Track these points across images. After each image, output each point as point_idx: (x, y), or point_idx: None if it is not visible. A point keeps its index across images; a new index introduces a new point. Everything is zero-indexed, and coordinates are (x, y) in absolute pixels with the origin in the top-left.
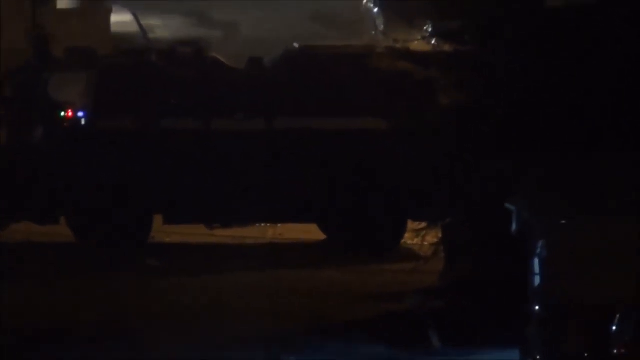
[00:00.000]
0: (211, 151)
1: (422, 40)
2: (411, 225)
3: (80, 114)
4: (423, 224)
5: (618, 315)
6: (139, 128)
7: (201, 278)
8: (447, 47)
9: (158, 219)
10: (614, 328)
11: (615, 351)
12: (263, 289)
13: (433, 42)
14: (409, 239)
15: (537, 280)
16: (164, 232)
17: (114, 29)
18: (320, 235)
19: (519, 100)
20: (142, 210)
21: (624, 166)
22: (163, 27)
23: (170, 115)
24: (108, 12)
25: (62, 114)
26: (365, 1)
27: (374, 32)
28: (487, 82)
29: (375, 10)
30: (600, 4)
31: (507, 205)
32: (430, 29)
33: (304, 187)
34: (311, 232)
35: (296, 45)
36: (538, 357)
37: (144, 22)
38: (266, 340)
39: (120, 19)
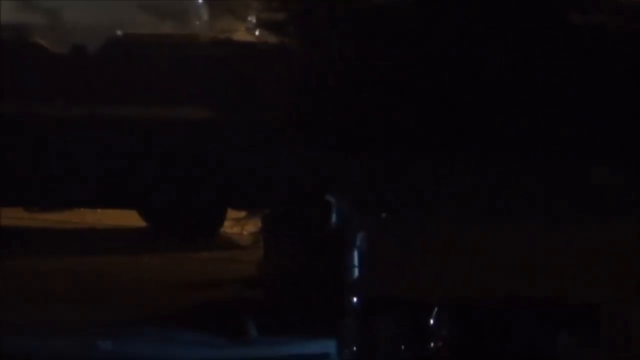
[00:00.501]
0: (32, 136)
1: (246, 31)
2: (231, 213)
3: None
4: (243, 213)
5: (435, 310)
6: None
7: (18, 262)
8: (271, 39)
9: None
10: (431, 322)
11: (432, 345)
12: (81, 275)
13: (257, 33)
14: (228, 228)
15: (354, 272)
16: None
17: None
18: (140, 222)
19: (342, 95)
20: None
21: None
22: None
23: None
24: None
25: None
26: None
27: (198, 22)
28: (310, 76)
29: (200, 0)
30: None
31: (327, 197)
32: (254, 20)
33: (124, 173)
34: (131, 219)
35: (120, 33)
36: (355, 348)
37: None
38: (83, 326)
39: None
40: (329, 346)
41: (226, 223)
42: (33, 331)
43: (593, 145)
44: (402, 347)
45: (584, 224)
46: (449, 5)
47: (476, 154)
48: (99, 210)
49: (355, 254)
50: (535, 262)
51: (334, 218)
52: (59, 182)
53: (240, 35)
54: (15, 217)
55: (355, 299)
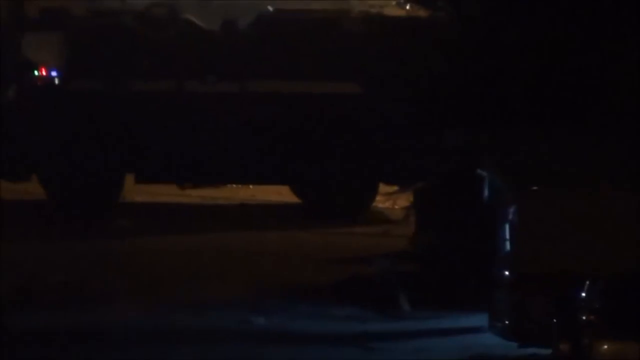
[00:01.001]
0: (184, 113)
1: (397, 5)
2: (383, 188)
3: (53, 73)
4: (394, 188)
5: (587, 283)
6: (112, 89)
7: (171, 239)
8: (421, 13)
9: (130, 179)
10: (583, 295)
11: (583, 318)
12: (233, 250)
13: (407, 7)
14: (380, 202)
15: (507, 246)
16: (135, 192)
17: None
18: (293, 198)
19: (491, 70)
20: (113, 169)
21: (588, 140)
22: None
23: (144, 77)
24: None
25: (36, 73)
26: None
27: None
28: (459, 51)
29: None
30: None
31: (479, 171)
32: None
33: (275, 149)
34: (283, 194)
35: (270, 8)
36: (507, 322)
37: None
38: (235, 302)
39: None
40: (481, 320)
41: (378, 198)
42: (186, 308)
43: None
44: (554, 320)
45: None
46: None
47: (622, 125)
48: (251, 186)
49: (507, 227)
50: None
51: (485, 192)
52: (211, 159)
53: (391, 10)
54: (169, 193)
55: (507, 273)
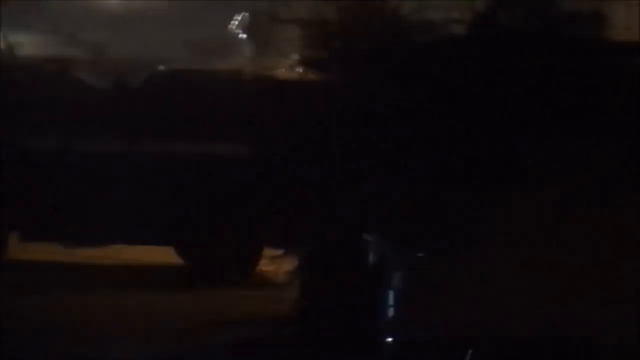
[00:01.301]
0: (72, 170)
1: (290, 68)
2: (268, 252)
3: None
4: (279, 252)
5: (470, 351)
6: None
7: (57, 297)
8: (314, 77)
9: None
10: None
11: None
12: (118, 311)
13: (301, 70)
14: (264, 266)
15: (391, 311)
16: (20, 249)
17: None
18: (177, 260)
19: (380, 132)
20: None
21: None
22: (29, 45)
23: (33, 133)
24: None
25: None
26: (233, 27)
27: (240, 59)
28: (350, 113)
29: (243, 36)
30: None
31: (364, 236)
32: (298, 57)
33: (161, 209)
34: (168, 255)
35: (162, 67)
36: None
37: (10, 38)
38: None
39: None
40: None
41: (262, 261)
42: None
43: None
44: None
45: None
46: (486, 44)
47: (515, 191)
48: (135, 247)
49: (391, 293)
50: (574, 301)
51: (370, 257)
52: (97, 218)
53: (284, 72)
54: (53, 252)
55: (390, 339)
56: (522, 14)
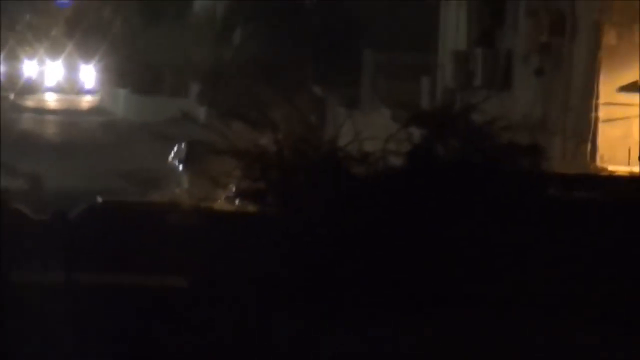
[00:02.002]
0: (6, 303)
1: (226, 200)
2: None
3: None
4: None
5: None
6: None
7: None
8: (250, 208)
9: None
10: None
11: None
12: None
13: (237, 202)
14: None
15: None
16: None
17: None
18: None
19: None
20: None
21: None
22: None
23: None
24: None
25: None
26: (170, 159)
27: (177, 190)
28: (289, 243)
29: (180, 167)
30: None
31: None
32: (234, 189)
33: (101, 340)
34: None
35: (100, 199)
36: None
37: None
38: None
39: None
40: None
41: None
42: None
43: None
44: None
45: None
46: (418, 178)
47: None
48: None
49: None
50: None
51: None
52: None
53: (220, 203)
54: None
55: None
56: (458, 145)
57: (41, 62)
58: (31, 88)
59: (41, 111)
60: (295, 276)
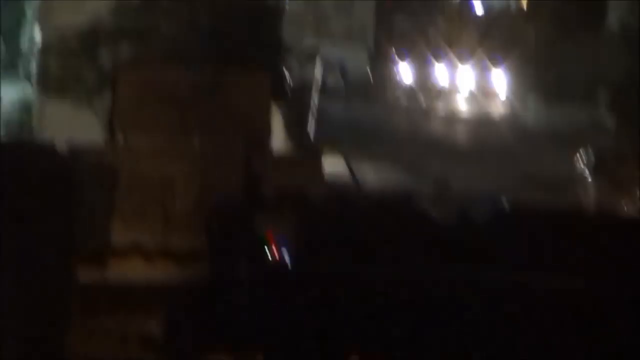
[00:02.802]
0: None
1: (633, 205)
2: None
3: (285, 254)
4: None
5: None
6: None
7: None
8: None
9: None
10: None
11: None
12: None
13: None
14: None
15: None
16: None
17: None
18: None
19: None
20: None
21: None
22: (373, 174)
23: (370, 261)
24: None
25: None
26: (576, 165)
27: (583, 197)
28: None
29: (587, 174)
30: None
31: None
32: None
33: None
34: None
35: (505, 202)
36: None
37: (354, 168)
38: None
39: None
40: None
41: None
42: None
43: None
44: None
45: None
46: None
47: None
48: None
49: None
50: None
51: None
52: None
53: (627, 211)
54: None
55: None
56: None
57: (451, 66)
58: (442, 92)
59: (451, 114)
60: None
